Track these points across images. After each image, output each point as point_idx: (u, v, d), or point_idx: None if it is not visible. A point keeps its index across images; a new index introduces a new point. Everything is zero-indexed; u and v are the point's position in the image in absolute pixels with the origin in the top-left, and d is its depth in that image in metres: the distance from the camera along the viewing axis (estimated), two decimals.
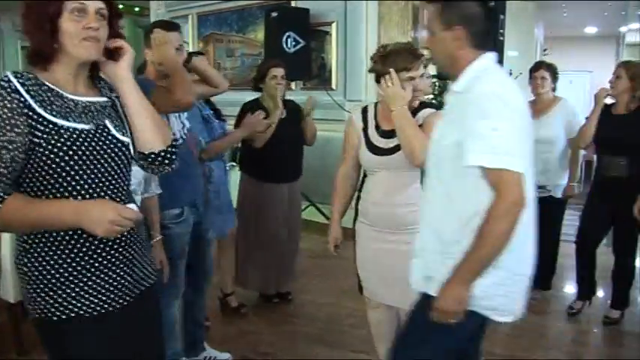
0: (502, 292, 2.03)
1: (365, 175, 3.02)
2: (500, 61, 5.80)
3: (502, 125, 1.85)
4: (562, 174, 4.57)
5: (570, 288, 4.91)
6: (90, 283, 1.77)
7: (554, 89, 4.66)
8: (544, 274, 4.74)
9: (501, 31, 5.61)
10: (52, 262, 1.73)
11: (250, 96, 4.45)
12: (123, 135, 1.85)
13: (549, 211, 4.50)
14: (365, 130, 2.91)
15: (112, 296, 1.80)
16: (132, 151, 1.87)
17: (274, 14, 6.47)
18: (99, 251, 1.78)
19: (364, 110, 2.97)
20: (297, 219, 4.66)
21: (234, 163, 5.13)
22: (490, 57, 2.04)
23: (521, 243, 1.99)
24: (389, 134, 2.83)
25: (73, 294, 1.74)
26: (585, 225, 4.42)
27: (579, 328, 4.33)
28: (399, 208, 2.81)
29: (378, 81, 2.84)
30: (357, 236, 3.02)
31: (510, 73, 7.97)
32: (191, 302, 3.45)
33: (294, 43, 6.36)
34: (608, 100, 4.25)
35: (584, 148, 4.42)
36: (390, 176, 2.83)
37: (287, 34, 6.37)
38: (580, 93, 14.43)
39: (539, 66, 4.66)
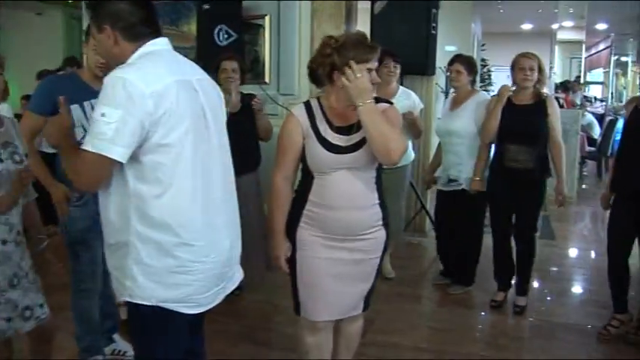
0: (181, 282, 1.98)
1: (307, 178, 2.65)
2: (434, 55, 5.89)
3: (111, 112, 1.81)
4: (472, 167, 4.58)
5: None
6: None
7: (472, 82, 4.68)
8: (464, 269, 4.78)
9: (434, 24, 5.64)
10: None
11: None
12: None
13: (467, 204, 4.56)
14: (314, 127, 2.58)
15: None
16: None
17: (206, 6, 6.32)
18: None
19: (307, 106, 2.62)
20: (255, 211, 4.49)
21: None
22: (152, 44, 2.02)
23: (198, 231, 1.98)
24: (346, 131, 2.54)
25: None
26: (493, 216, 4.49)
27: (507, 320, 4.36)
28: (361, 211, 2.58)
29: (312, 78, 2.61)
30: (300, 247, 2.65)
31: (447, 69, 8.06)
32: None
33: (226, 36, 6.23)
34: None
35: (487, 143, 4.44)
36: (350, 176, 2.54)
37: (219, 27, 6.23)
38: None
39: (454, 60, 4.67)
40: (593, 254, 6.01)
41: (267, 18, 6.56)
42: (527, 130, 4.15)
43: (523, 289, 4.46)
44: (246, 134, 4.32)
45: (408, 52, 5.02)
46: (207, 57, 5.16)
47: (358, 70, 2.39)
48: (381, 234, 2.66)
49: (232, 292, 4.47)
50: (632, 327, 3.96)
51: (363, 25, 6.62)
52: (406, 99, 4.80)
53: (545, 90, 4.31)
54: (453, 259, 4.87)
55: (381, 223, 2.65)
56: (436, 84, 7.05)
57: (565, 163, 4.28)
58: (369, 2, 5.99)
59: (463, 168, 4.54)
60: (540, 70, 4.17)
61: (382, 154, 2.44)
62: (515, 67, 4.22)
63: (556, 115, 4.17)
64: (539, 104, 4.17)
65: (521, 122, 4.16)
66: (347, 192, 2.54)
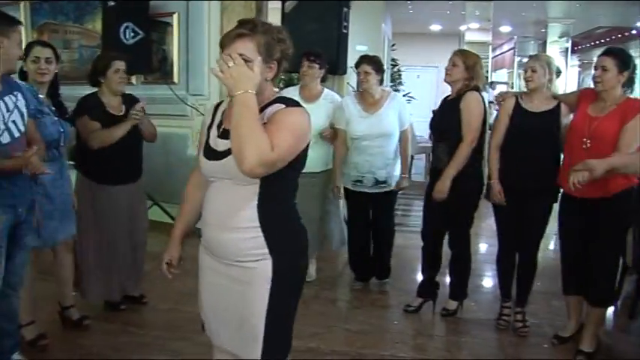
0: None
1: None
2: (345, 54, 5.86)
3: None
4: (397, 166, 4.64)
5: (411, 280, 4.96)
6: None
7: (381, 82, 4.67)
8: (382, 264, 4.79)
9: (345, 24, 5.62)
10: None
11: (89, 90, 4.14)
12: None
13: (388, 201, 4.58)
14: (209, 129, 2.31)
15: None
16: None
17: (111, 3, 6.09)
18: None
19: (216, 107, 2.39)
20: (142, 220, 4.36)
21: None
22: None
23: None
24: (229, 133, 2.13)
25: None
26: (424, 217, 4.50)
27: (423, 319, 4.38)
28: (232, 233, 2.16)
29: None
30: (199, 261, 2.40)
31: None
32: None
33: (132, 34, 6.02)
34: None
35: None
36: (226, 189, 2.18)
37: (125, 24, 6.02)
38: (428, 87, 15.09)
39: (361, 61, 4.63)
40: None
41: (175, 16, 6.43)
42: (443, 128, 4.20)
43: (458, 293, 4.42)
44: (134, 139, 4.10)
45: (320, 51, 4.95)
46: None
47: (236, 55, 2.05)
48: (264, 266, 2.15)
49: (139, 300, 4.37)
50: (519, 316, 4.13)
51: (274, 22, 6.54)
52: (330, 102, 4.76)
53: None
54: (369, 257, 4.88)
55: (264, 251, 2.14)
56: (348, 83, 7.05)
57: (464, 158, 4.09)
58: (280, 1, 5.92)
59: (390, 169, 4.54)
60: (467, 68, 4.14)
61: (237, 159, 1.98)
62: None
63: (468, 110, 4.08)
64: (459, 100, 4.14)
65: (440, 120, 4.25)
66: (216, 208, 2.21)
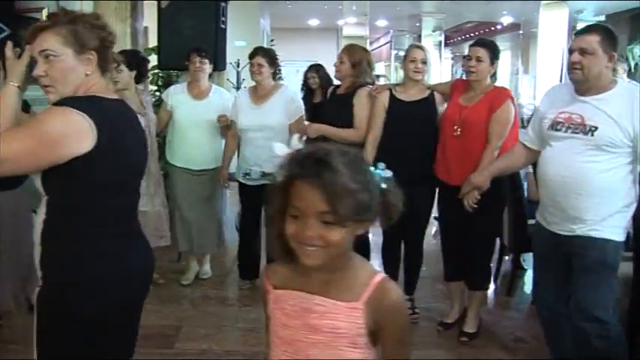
0: None
1: None
2: (224, 50, 5.78)
3: None
4: None
5: None
6: None
7: (274, 76, 4.66)
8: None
9: (223, 19, 5.54)
10: None
11: None
12: None
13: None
14: None
15: None
16: None
17: None
18: None
19: None
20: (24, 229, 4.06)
21: None
22: None
23: None
24: None
25: None
26: None
27: None
28: (36, 245, 1.92)
29: None
30: None
31: (238, 64, 8.03)
32: None
33: None
34: None
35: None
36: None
37: None
38: None
39: (255, 53, 4.59)
40: (371, 236, 6.21)
41: (44, 12, 6.06)
42: (333, 122, 4.21)
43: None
44: None
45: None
46: None
47: (10, 47, 1.97)
48: (39, 292, 1.89)
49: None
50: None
51: (151, 19, 6.35)
52: (220, 98, 4.69)
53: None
54: (257, 256, 4.82)
55: (39, 274, 1.88)
56: (228, 79, 6.97)
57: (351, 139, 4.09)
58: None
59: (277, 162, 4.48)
60: (354, 65, 4.20)
61: None
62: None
63: (360, 106, 4.15)
64: (350, 96, 4.20)
65: (330, 113, 4.30)
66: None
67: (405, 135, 3.94)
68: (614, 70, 6.87)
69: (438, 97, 3.98)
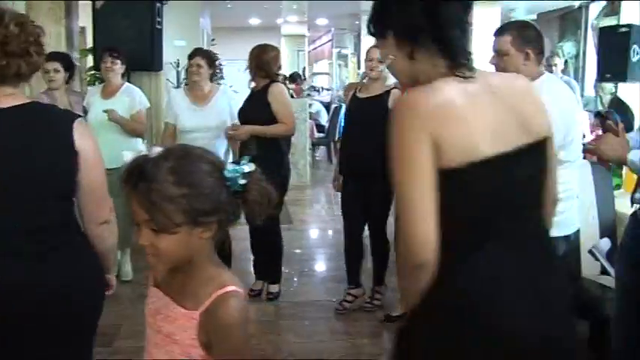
0: None
1: None
2: (161, 50, 5.81)
3: None
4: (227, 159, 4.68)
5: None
6: None
7: (211, 77, 4.71)
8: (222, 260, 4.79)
9: (159, 19, 5.56)
10: None
11: None
12: None
13: None
14: None
15: None
16: None
17: None
18: None
19: None
20: None
21: None
22: None
23: None
24: None
25: None
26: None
27: (257, 306, 4.45)
28: None
29: None
30: None
31: (178, 64, 8.03)
32: None
33: None
34: None
35: None
36: None
37: None
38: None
39: (195, 53, 4.63)
40: (331, 233, 6.42)
41: None
42: (251, 118, 4.29)
43: (277, 276, 4.56)
44: None
45: (132, 48, 4.90)
46: None
47: None
48: None
49: None
50: (367, 297, 4.29)
51: (86, 19, 6.31)
52: (127, 96, 4.70)
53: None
54: None
55: None
56: (167, 80, 6.97)
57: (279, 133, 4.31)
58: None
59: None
60: (256, 64, 4.32)
61: None
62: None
63: (277, 101, 4.25)
64: (264, 93, 4.29)
65: (248, 111, 4.36)
66: None
67: (359, 132, 4.07)
68: (554, 65, 7.26)
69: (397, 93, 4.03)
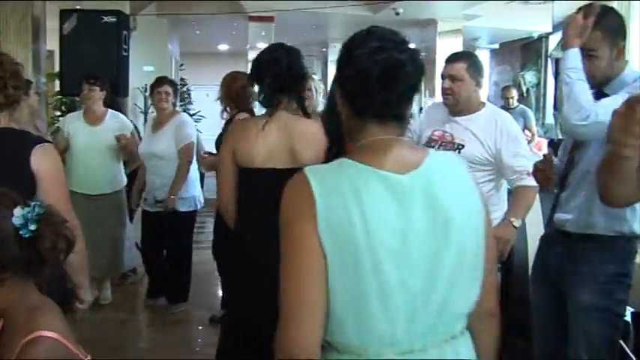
0: None
1: None
2: (127, 76, 5.84)
3: None
4: (191, 186, 4.69)
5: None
6: None
7: (174, 104, 4.79)
8: (179, 287, 4.81)
9: (125, 46, 5.62)
10: None
11: None
12: None
13: (177, 224, 4.60)
14: None
15: None
16: None
17: None
18: None
19: None
20: None
21: None
22: None
23: None
24: None
25: None
26: None
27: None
28: None
29: None
30: None
31: (146, 89, 8.08)
32: None
33: None
34: None
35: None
36: None
37: None
38: (217, 105, 15.21)
39: (162, 81, 4.71)
40: None
41: None
42: None
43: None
44: None
45: (99, 74, 4.91)
46: None
47: None
48: None
49: None
50: None
51: (54, 44, 6.33)
52: (116, 121, 4.75)
53: None
54: (165, 278, 4.86)
55: None
56: (135, 104, 7.02)
57: None
58: (58, 24, 5.74)
59: (168, 189, 4.49)
60: (229, 95, 4.33)
61: None
62: None
63: None
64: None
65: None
66: None
67: None
68: (511, 97, 7.48)
69: None
